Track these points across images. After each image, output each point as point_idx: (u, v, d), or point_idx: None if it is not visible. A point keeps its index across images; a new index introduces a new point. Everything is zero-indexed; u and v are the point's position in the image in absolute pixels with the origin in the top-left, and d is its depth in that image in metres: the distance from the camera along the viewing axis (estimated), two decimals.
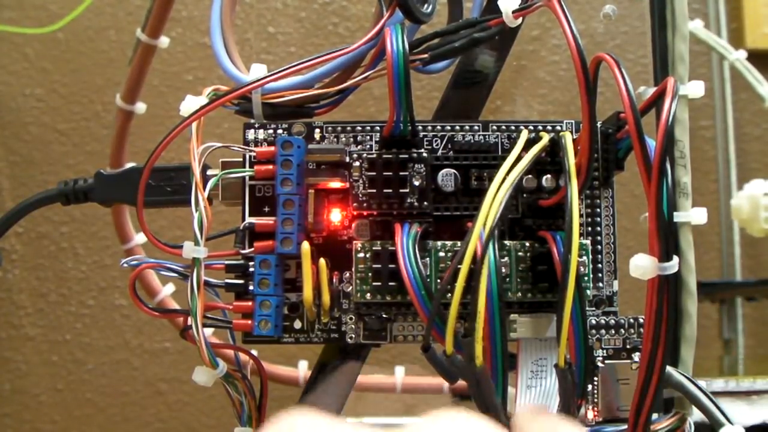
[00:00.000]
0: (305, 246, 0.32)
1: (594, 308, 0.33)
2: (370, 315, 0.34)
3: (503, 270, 0.32)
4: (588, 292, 0.33)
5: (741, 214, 0.71)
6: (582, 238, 0.33)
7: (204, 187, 0.32)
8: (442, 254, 0.32)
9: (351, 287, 0.33)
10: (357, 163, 0.34)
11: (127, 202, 0.36)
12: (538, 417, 0.26)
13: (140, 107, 0.57)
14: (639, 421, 0.27)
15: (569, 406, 0.29)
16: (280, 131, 0.34)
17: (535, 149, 0.31)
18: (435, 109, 0.39)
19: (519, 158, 0.31)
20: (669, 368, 0.29)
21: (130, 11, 0.82)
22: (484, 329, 0.28)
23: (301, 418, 0.21)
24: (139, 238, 0.56)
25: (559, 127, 0.34)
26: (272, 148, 0.33)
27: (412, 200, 0.33)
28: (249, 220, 0.34)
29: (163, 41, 0.54)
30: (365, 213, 0.34)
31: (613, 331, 0.33)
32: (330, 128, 0.34)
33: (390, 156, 0.33)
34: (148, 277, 0.57)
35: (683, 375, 0.30)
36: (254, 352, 0.39)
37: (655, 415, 0.30)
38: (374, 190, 0.33)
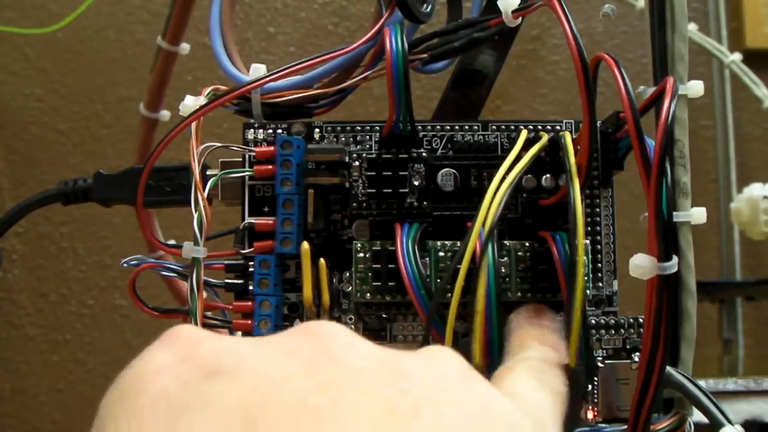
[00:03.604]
0: (305, 246, 0.32)
1: (594, 308, 0.33)
2: (369, 315, 0.34)
3: (503, 270, 0.32)
4: (588, 291, 0.33)
5: (740, 217, 0.71)
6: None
7: (203, 187, 0.32)
8: (441, 254, 0.32)
9: (351, 287, 0.33)
10: (356, 163, 0.34)
11: (127, 202, 0.36)
12: (524, 326, 0.29)
13: (164, 114, 0.56)
14: (639, 421, 0.27)
15: (578, 407, 0.29)
16: (279, 131, 0.34)
17: (534, 149, 0.31)
18: (434, 108, 0.39)
19: (518, 158, 0.31)
20: (669, 368, 0.29)
21: (130, 11, 0.82)
22: (482, 329, 0.28)
23: (339, 326, 0.20)
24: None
25: (558, 127, 0.34)
26: (272, 148, 0.33)
27: (412, 200, 0.33)
28: (248, 220, 0.34)
29: (184, 47, 0.53)
30: (365, 213, 0.34)
31: (613, 331, 0.33)
32: (329, 128, 0.34)
33: (389, 156, 0.33)
34: (177, 284, 0.55)
35: (683, 375, 0.30)
36: None
37: (655, 415, 0.30)
38: (374, 190, 0.33)
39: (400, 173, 0.33)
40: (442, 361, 0.21)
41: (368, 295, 0.33)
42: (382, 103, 0.32)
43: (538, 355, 0.27)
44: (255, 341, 0.19)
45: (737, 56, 0.78)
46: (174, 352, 0.19)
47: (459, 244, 0.30)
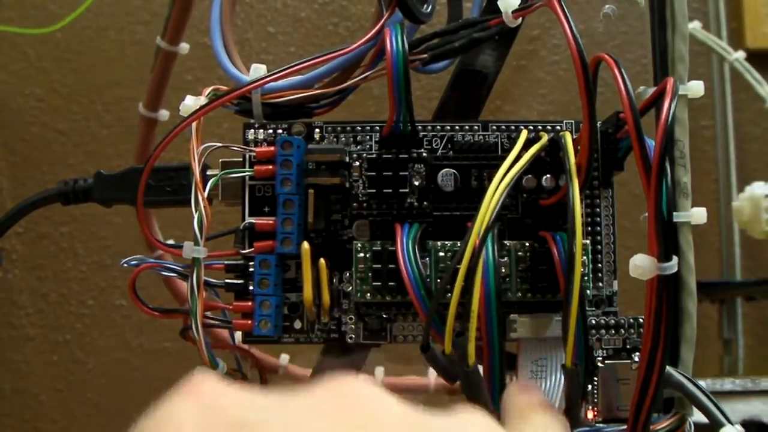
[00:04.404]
0: (305, 246, 0.32)
1: (594, 308, 0.33)
2: (369, 315, 0.34)
3: (503, 270, 0.32)
4: (588, 292, 0.33)
5: (742, 216, 0.71)
6: (582, 237, 0.33)
7: (204, 187, 0.32)
8: (441, 254, 0.32)
9: (351, 287, 0.33)
10: (357, 163, 0.34)
11: (127, 202, 0.36)
12: (520, 395, 0.28)
13: (163, 114, 0.56)
14: (639, 421, 0.27)
15: (576, 407, 0.29)
16: (279, 131, 0.34)
17: (534, 148, 0.31)
18: (435, 109, 0.39)
19: (518, 158, 0.31)
20: (669, 368, 0.29)
21: (130, 11, 0.82)
22: (482, 329, 0.28)
23: (367, 381, 0.19)
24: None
25: (558, 127, 0.34)
26: (272, 148, 0.33)
27: (412, 200, 0.33)
28: (249, 220, 0.34)
29: (184, 47, 0.53)
30: (365, 213, 0.34)
31: (613, 331, 0.33)
32: (330, 128, 0.34)
33: (390, 156, 0.33)
34: (176, 284, 0.55)
35: (683, 375, 0.30)
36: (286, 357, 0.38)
37: (655, 415, 0.30)
38: (374, 190, 0.33)
39: (401, 173, 0.33)
40: (472, 424, 0.21)
41: (368, 295, 0.33)
42: (383, 103, 0.32)
43: (541, 421, 0.27)
44: (280, 395, 0.19)
45: (741, 54, 0.78)
46: (196, 404, 0.18)
47: (459, 244, 0.30)
